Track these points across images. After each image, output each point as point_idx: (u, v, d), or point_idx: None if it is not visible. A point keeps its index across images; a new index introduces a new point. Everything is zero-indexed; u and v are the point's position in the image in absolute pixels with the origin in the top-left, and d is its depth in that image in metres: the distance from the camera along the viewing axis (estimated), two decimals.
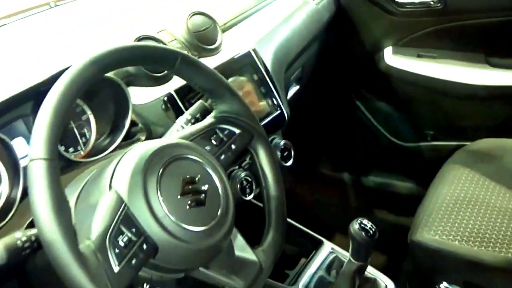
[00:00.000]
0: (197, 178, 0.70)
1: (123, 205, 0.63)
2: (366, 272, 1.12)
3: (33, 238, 0.64)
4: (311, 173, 2.04)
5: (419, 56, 1.64)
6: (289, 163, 1.15)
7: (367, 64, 1.72)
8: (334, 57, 1.74)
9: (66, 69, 0.65)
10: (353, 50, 1.74)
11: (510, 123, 1.58)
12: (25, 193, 0.79)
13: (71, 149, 0.90)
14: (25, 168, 0.78)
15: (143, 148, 0.69)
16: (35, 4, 1.23)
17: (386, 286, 1.13)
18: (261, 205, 0.88)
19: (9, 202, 0.78)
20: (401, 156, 1.84)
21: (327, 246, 1.22)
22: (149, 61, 0.77)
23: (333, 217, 1.52)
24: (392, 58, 1.66)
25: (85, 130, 0.93)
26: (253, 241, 0.83)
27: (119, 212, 0.63)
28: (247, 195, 1.03)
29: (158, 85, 0.99)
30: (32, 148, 0.59)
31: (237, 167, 1.05)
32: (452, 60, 1.60)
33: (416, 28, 1.60)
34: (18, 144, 0.81)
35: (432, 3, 1.51)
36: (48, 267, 0.72)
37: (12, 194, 0.78)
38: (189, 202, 0.68)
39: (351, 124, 1.89)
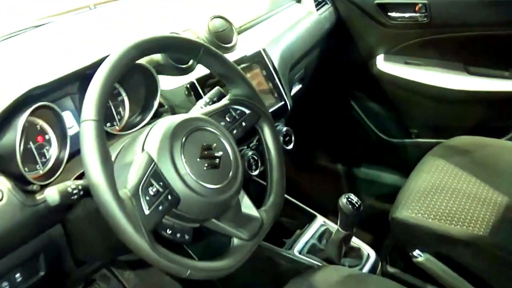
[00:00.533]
0: (213, 146, 0.75)
1: (153, 163, 0.69)
2: (351, 242, 1.18)
3: (80, 187, 0.69)
4: (309, 164, 2.06)
5: (406, 63, 1.67)
6: (290, 146, 1.18)
7: (361, 69, 1.75)
8: (333, 61, 1.76)
9: (107, 56, 0.70)
10: (349, 56, 1.76)
11: (483, 123, 1.60)
12: (71, 156, 0.85)
13: (108, 124, 0.95)
14: (71, 136, 0.86)
15: (171, 120, 0.75)
16: (77, 6, 1.21)
17: (368, 254, 1.17)
18: (265, 183, 0.92)
19: (57, 162, 0.83)
20: (388, 151, 1.86)
21: (320, 220, 1.26)
22: (178, 49, 0.82)
23: (326, 201, 1.56)
24: (383, 64, 1.69)
25: (120, 109, 0.98)
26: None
27: (149, 169, 0.68)
28: (253, 171, 1.07)
29: (182, 75, 1.03)
30: (84, 111, 0.64)
31: (245, 147, 1.09)
32: (435, 67, 1.63)
33: (405, 39, 1.63)
34: (66, 116, 0.86)
35: (419, 17, 1.54)
36: (88, 216, 0.80)
37: (60, 156, 0.84)
38: (206, 164, 0.73)
39: (346, 121, 1.91)
